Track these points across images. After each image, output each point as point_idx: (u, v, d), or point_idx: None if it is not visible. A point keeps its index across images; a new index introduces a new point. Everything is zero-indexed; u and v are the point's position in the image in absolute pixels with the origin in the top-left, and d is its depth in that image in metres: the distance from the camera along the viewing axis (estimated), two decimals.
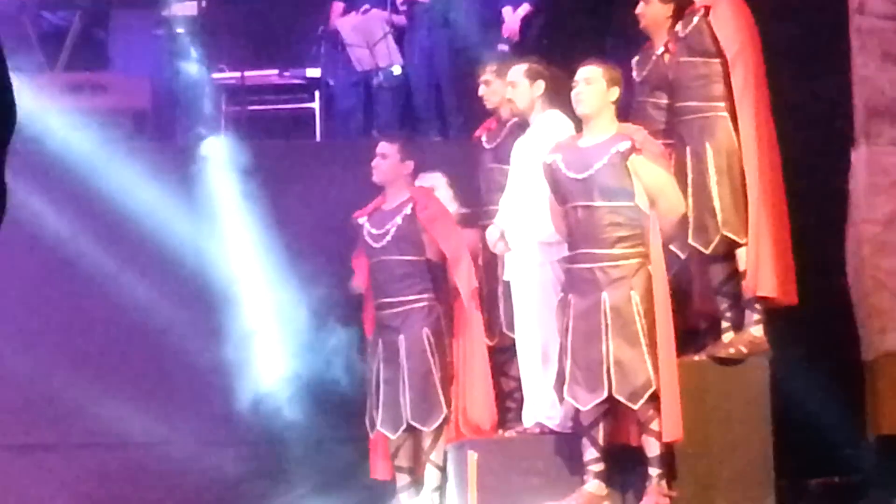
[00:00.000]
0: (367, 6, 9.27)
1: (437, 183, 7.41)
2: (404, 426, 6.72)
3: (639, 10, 6.85)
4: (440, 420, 6.83)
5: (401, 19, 9.04)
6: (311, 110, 9.66)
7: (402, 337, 6.77)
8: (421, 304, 6.95)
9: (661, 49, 7.24)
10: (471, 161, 7.15)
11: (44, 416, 7.00)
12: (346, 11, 9.41)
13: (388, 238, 6.80)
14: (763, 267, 6.85)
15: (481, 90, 7.31)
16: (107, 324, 7.58)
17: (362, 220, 6.54)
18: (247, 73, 9.37)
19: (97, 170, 7.57)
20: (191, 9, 8.90)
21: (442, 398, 6.84)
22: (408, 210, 6.84)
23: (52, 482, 7.01)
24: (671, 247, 6.71)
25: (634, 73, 7.31)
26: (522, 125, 6.97)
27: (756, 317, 6.86)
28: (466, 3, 8.74)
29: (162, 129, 8.83)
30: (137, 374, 7.18)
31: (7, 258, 7.06)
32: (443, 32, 9.28)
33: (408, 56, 9.41)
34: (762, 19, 6.76)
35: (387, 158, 6.89)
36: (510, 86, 6.98)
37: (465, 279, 6.92)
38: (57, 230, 7.35)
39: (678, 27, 6.68)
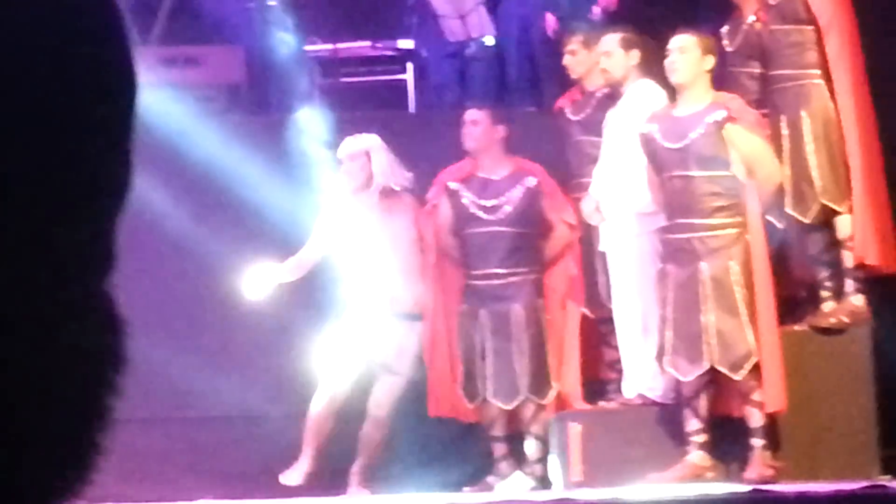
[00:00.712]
0: None
1: (372, 145, 7.19)
2: (521, 397, 6.69)
3: None
4: (553, 392, 6.77)
5: None
6: (404, 82, 9.53)
7: (515, 307, 6.71)
8: (533, 276, 6.86)
9: (752, 18, 7.06)
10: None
11: (162, 390, 7.09)
12: None
13: (506, 210, 6.73)
14: (865, 235, 6.87)
15: (566, 60, 7.23)
16: (205, 298, 7.53)
17: (455, 186, 6.55)
18: (339, 45, 9.29)
19: (192, 144, 7.49)
20: None
21: (552, 370, 6.83)
22: (530, 184, 6.77)
23: (170, 455, 7.15)
24: (768, 216, 6.60)
25: (725, 43, 7.08)
26: (612, 96, 6.87)
27: (856, 285, 6.84)
28: None
29: (256, 102, 8.81)
30: (239, 349, 7.31)
31: None
32: (536, 1, 8.99)
33: (501, 26, 9.20)
34: None
35: (478, 125, 6.82)
36: (604, 55, 6.88)
37: (573, 251, 6.94)
38: (151, 205, 7.38)
39: None
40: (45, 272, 0.93)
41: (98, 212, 0.99)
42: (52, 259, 0.94)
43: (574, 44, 7.27)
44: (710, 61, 6.51)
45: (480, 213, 6.46)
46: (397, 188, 7.13)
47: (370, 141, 7.29)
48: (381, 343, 6.89)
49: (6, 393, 0.88)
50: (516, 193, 6.88)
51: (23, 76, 0.93)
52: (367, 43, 9.60)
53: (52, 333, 0.92)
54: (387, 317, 6.71)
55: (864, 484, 5.97)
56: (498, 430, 6.74)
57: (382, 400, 6.53)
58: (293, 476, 6.33)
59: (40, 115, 0.93)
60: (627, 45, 6.79)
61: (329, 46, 9.22)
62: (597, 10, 8.59)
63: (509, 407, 6.71)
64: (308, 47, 8.92)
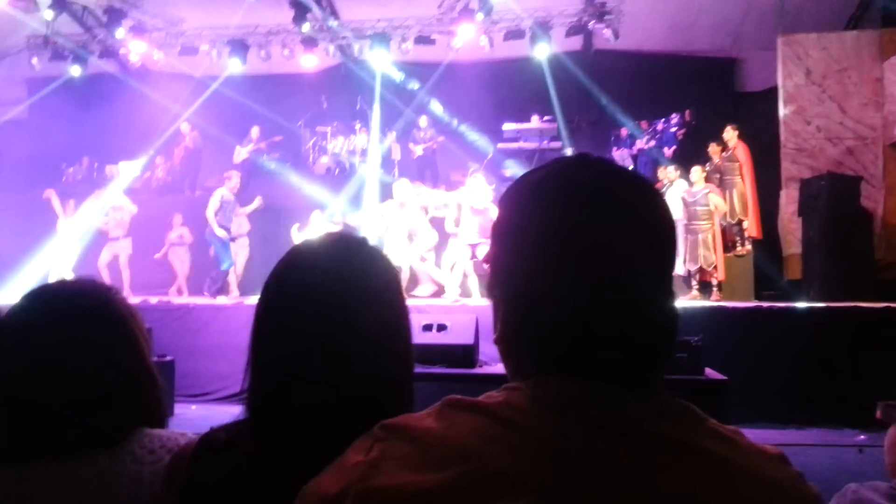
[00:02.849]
0: None
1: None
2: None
3: None
4: None
5: None
6: None
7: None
8: None
9: (717, 160, 9.37)
10: None
11: None
12: None
13: None
14: (750, 225, 9.30)
15: (659, 174, 9.84)
16: None
17: None
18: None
19: None
20: None
21: None
22: None
23: None
24: (721, 221, 9.11)
25: (709, 167, 9.24)
26: (671, 185, 9.46)
27: (747, 240, 9.22)
28: None
29: None
30: None
31: None
32: (646, 160, 11.37)
33: (636, 166, 11.43)
34: None
35: None
36: (668, 172, 9.41)
37: None
38: None
39: None
40: None
41: None
42: None
43: (660, 170, 9.79)
44: (703, 173, 8.99)
45: None
46: None
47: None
48: None
49: None
50: None
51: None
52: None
53: None
54: None
55: (751, 304, 7.77)
56: None
57: None
58: None
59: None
60: (675, 171, 9.48)
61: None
62: (668, 154, 10.94)
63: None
64: None
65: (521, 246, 0.76)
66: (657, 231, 0.77)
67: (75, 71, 12.89)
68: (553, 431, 0.67)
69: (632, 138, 11.53)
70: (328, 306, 0.93)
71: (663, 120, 11.11)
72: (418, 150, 12.40)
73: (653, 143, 11.06)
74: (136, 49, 12.59)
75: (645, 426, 0.69)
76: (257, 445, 0.92)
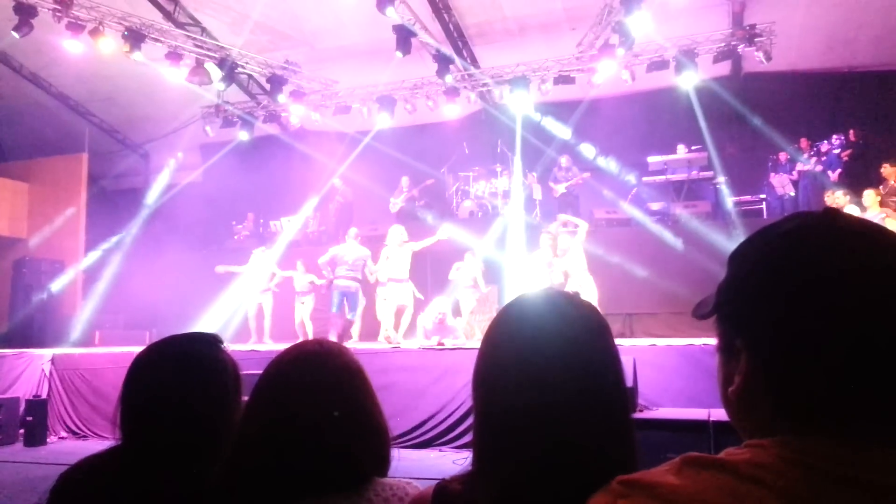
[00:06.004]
0: None
1: None
2: None
3: None
4: None
5: None
6: (762, 210, 10.72)
7: None
8: None
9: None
10: None
11: None
12: None
13: None
14: None
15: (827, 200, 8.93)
16: None
17: None
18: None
19: None
20: None
21: None
22: None
23: None
24: None
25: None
26: None
27: None
28: None
29: None
30: None
31: None
32: (807, 184, 10.70)
33: (797, 192, 10.85)
34: None
35: None
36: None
37: None
38: None
39: None
40: None
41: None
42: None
43: (826, 195, 9.06)
44: (878, 197, 8.24)
45: None
46: None
47: None
48: None
49: None
50: None
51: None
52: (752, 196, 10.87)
53: None
54: None
55: None
56: None
57: None
58: None
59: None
60: (844, 195, 8.59)
61: None
62: (834, 178, 10.21)
63: None
64: None
65: (780, 299, 0.72)
66: None
67: (243, 136, 13.86)
68: (807, 491, 0.65)
69: (791, 162, 11.15)
70: (547, 358, 0.93)
71: (826, 141, 10.68)
72: (560, 189, 12.36)
73: (818, 166, 10.25)
74: (295, 112, 13.37)
75: None
76: (485, 497, 0.93)
